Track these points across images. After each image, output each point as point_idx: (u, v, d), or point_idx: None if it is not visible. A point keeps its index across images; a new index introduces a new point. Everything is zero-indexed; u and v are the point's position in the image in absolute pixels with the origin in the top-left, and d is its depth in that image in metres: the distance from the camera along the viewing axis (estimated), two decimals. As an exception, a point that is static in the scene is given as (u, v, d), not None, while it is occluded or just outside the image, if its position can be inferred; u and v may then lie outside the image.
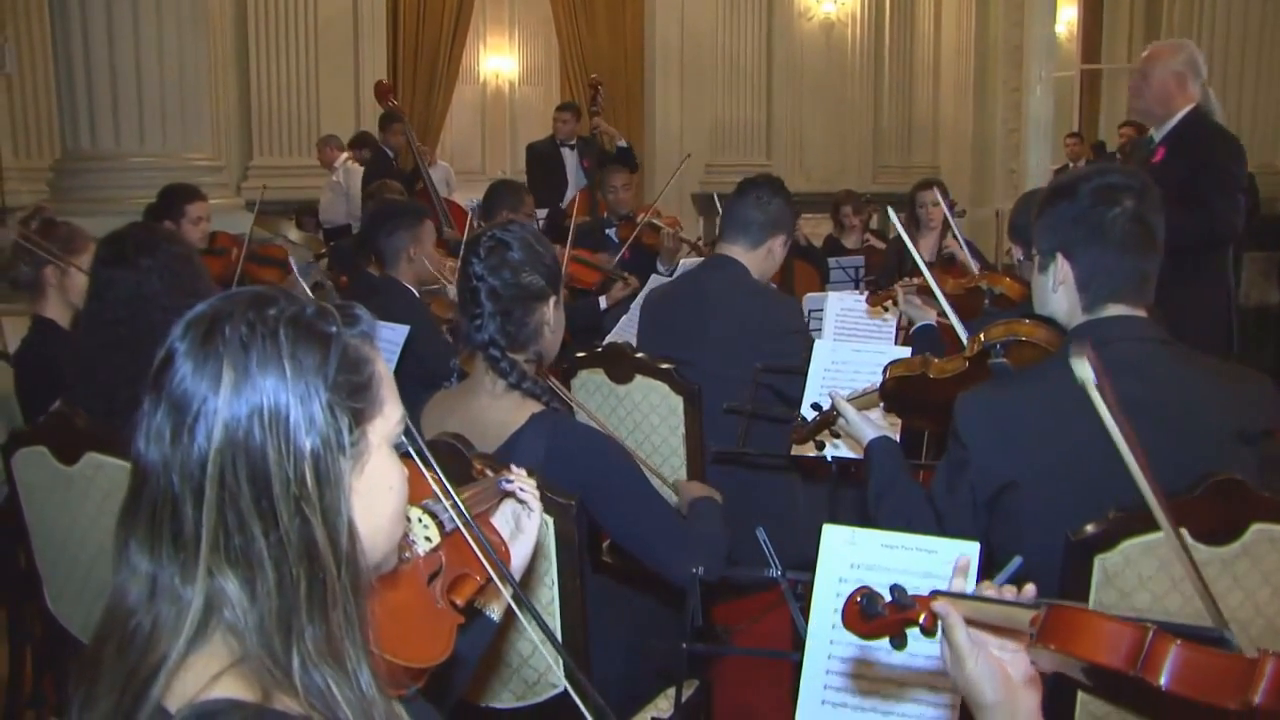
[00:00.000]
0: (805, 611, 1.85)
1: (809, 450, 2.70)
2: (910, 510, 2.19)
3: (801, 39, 11.77)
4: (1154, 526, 1.82)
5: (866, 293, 3.95)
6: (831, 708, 1.83)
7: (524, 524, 1.65)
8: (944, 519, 2.11)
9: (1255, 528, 1.86)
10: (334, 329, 1.06)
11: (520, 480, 1.66)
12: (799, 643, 1.86)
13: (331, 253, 6.38)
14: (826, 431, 2.54)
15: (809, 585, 1.85)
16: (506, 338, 2.23)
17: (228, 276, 4.63)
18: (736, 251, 3.37)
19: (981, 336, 2.37)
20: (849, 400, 2.42)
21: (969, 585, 1.34)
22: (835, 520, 1.90)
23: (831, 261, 6.49)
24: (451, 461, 1.94)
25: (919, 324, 3.18)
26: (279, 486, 0.99)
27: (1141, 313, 2.07)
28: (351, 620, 1.03)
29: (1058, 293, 2.10)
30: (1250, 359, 8.32)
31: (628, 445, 2.61)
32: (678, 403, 2.97)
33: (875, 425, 2.38)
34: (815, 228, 8.63)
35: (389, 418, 1.11)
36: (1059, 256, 2.07)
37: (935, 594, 1.28)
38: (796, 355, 3.10)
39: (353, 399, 1.06)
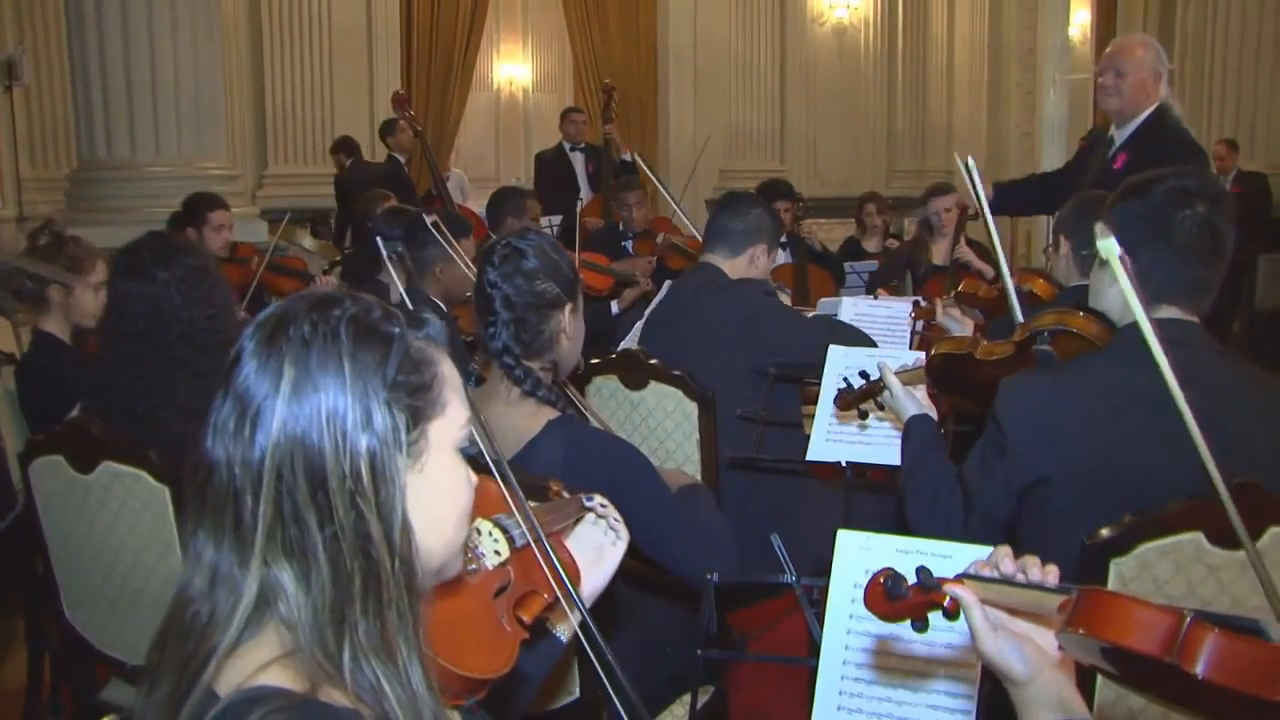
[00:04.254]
0: (820, 617, 1.85)
1: (851, 419, 2.70)
2: (939, 486, 2.22)
3: (815, 43, 11.77)
4: (1169, 531, 1.83)
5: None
6: (847, 713, 1.82)
7: (606, 552, 1.66)
8: (973, 499, 2.12)
9: (1273, 531, 1.85)
10: (396, 330, 1.08)
11: (602, 508, 1.67)
12: (814, 648, 1.86)
13: (345, 259, 6.39)
14: (872, 401, 2.55)
15: (824, 591, 1.85)
16: (521, 345, 2.23)
17: (246, 286, 4.65)
18: (717, 259, 3.42)
19: (1032, 323, 2.35)
20: (897, 374, 2.45)
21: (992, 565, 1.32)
22: (850, 525, 1.90)
23: (847, 266, 6.48)
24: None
25: (953, 334, 3.18)
26: (335, 481, 1.02)
27: (1194, 319, 2.05)
28: (405, 617, 1.05)
29: (1113, 288, 2.08)
30: (1266, 360, 8.29)
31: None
32: (692, 409, 2.97)
33: (918, 402, 2.41)
34: (829, 233, 8.64)
35: (452, 420, 1.12)
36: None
37: (961, 577, 1.27)
38: (772, 334, 3.17)
39: (413, 398, 1.08)
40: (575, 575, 1.54)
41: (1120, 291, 2.03)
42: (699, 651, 2.06)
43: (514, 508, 1.43)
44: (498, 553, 1.41)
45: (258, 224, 6.41)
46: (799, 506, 3.01)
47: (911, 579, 1.28)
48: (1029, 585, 1.24)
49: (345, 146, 8.67)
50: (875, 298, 4.74)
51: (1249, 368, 2.13)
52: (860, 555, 1.85)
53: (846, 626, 1.83)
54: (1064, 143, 12.53)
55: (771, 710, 3.27)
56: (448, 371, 1.13)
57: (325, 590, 1.02)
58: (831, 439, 2.80)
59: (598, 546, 1.69)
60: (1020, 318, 2.62)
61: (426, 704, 1.05)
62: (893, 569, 1.29)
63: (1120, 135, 4.15)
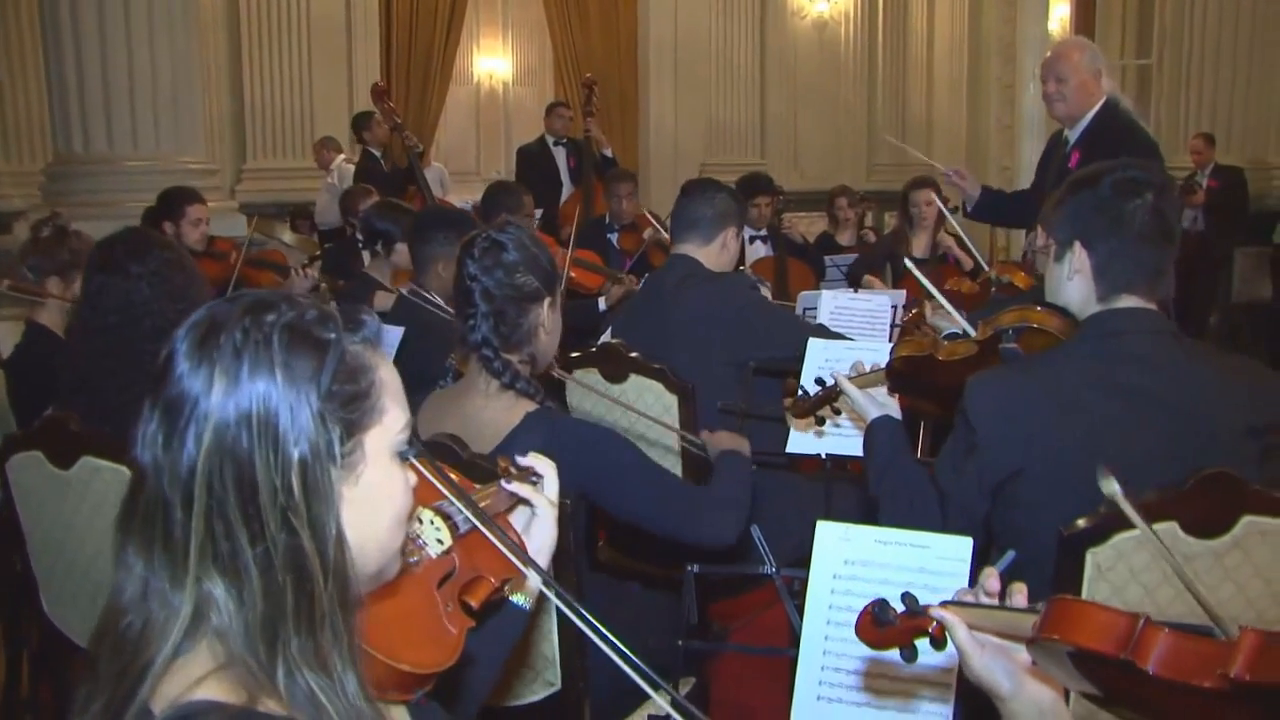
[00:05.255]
0: (801, 609, 1.86)
1: (809, 426, 2.69)
2: (912, 490, 2.20)
3: (795, 37, 11.79)
4: (1146, 521, 1.84)
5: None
6: (827, 703, 1.83)
7: (540, 510, 1.64)
8: (948, 500, 2.12)
9: (1245, 520, 1.87)
10: (333, 335, 1.05)
11: (525, 476, 1.65)
12: (796, 639, 1.87)
13: (325, 255, 6.37)
14: (828, 408, 2.51)
15: (805, 582, 1.86)
16: (500, 338, 2.24)
17: (225, 280, 4.63)
18: (690, 249, 3.42)
19: (993, 321, 2.37)
20: (853, 378, 2.40)
21: (975, 592, 1.35)
22: (831, 517, 1.91)
23: (827, 260, 6.50)
24: (445, 461, 1.94)
25: (946, 332, 3.18)
26: (266, 495, 0.99)
27: (1153, 306, 2.07)
28: (338, 631, 1.03)
29: (1073, 281, 2.10)
30: (1243, 353, 8.35)
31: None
32: (672, 401, 2.98)
33: (879, 404, 2.37)
34: (810, 226, 8.64)
35: (390, 427, 1.10)
36: (1077, 245, 2.07)
37: (945, 604, 1.30)
38: (757, 331, 3.17)
39: (347, 409, 1.05)
40: (522, 549, 1.52)
41: (1082, 283, 2.08)
42: (679, 642, 2.07)
43: (453, 498, 1.41)
44: (440, 541, 1.39)
45: (236, 218, 6.37)
46: (780, 499, 3.02)
47: (899, 607, 1.30)
48: (1009, 608, 1.28)
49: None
50: (857, 291, 4.78)
51: (1211, 351, 2.18)
52: (839, 546, 1.86)
53: (826, 617, 1.83)
54: (1042, 137, 12.54)
55: (754, 704, 3.28)
56: (386, 375, 1.11)
57: (258, 605, 0.99)
58: (811, 431, 2.81)
59: (529, 510, 1.66)
60: (966, 327, 2.61)
61: (365, 714, 1.03)
62: (883, 599, 1.31)
63: (1073, 135, 4.28)
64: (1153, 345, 2.04)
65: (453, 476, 1.44)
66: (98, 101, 5.89)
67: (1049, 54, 4.43)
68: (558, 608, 1.59)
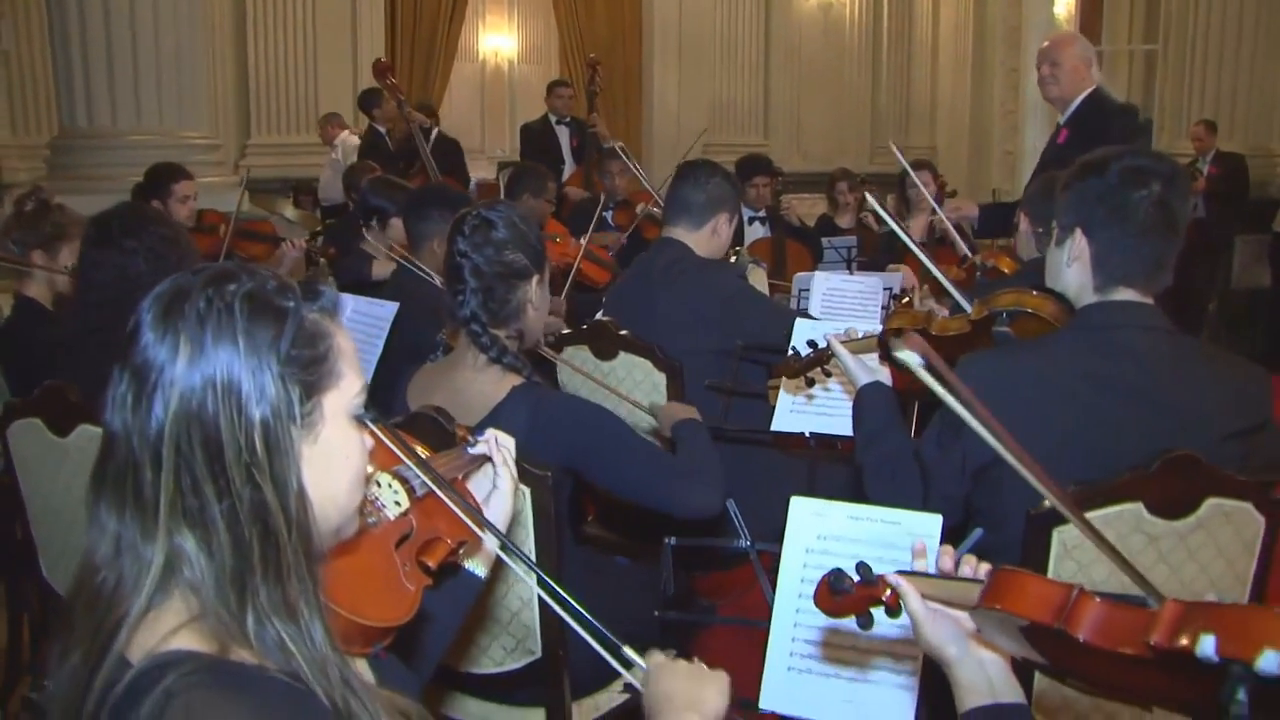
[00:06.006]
0: (775, 582, 1.91)
1: (799, 389, 2.71)
2: (897, 462, 2.22)
3: (800, 19, 11.79)
4: (1111, 501, 1.89)
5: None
6: (797, 674, 1.88)
7: (499, 483, 1.70)
8: (930, 477, 2.14)
9: (1210, 502, 1.91)
10: (291, 304, 1.12)
11: (489, 443, 1.71)
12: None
13: (328, 230, 6.41)
14: (819, 370, 2.53)
15: (780, 556, 1.91)
16: (488, 314, 2.28)
17: (215, 253, 4.64)
18: (680, 233, 3.43)
19: (988, 302, 2.36)
20: (845, 342, 2.40)
21: (929, 562, 1.41)
22: (815, 495, 1.94)
23: (825, 241, 6.52)
24: (433, 433, 1.99)
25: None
26: (231, 453, 1.06)
27: (1150, 300, 2.07)
28: (304, 579, 1.09)
29: (1071, 268, 2.09)
30: (1242, 340, 8.40)
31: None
32: (660, 379, 3.03)
33: (869, 370, 2.38)
34: (812, 208, 8.67)
35: (346, 390, 1.17)
36: (1078, 232, 2.06)
37: (900, 573, 1.35)
38: (743, 322, 3.19)
39: (306, 371, 1.11)
40: (478, 517, 1.58)
41: (1080, 271, 2.10)
42: (655, 613, 2.12)
43: (406, 459, 1.48)
44: (398, 503, 1.45)
45: (239, 193, 6.40)
46: (765, 477, 3.07)
47: (854, 576, 1.35)
48: (959, 579, 1.33)
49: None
50: (853, 274, 4.83)
51: (1203, 348, 2.19)
52: (813, 521, 1.90)
53: (798, 590, 1.88)
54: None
55: (739, 678, 3.32)
56: (343, 343, 1.17)
57: (226, 558, 1.06)
58: (795, 410, 2.86)
59: (491, 479, 1.72)
60: (966, 306, 2.63)
61: (330, 659, 1.09)
62: (839, 568, 1.36)
63: (1063, 117, 4.69)
64: (1145, 341, 2.04)
65: (413, 444, 1.51)
66: (102, 76, 5.91)
67: (1045, 43, 4.80)
68: (515, 559, 1.65)
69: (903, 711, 1.83)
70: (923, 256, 2.72)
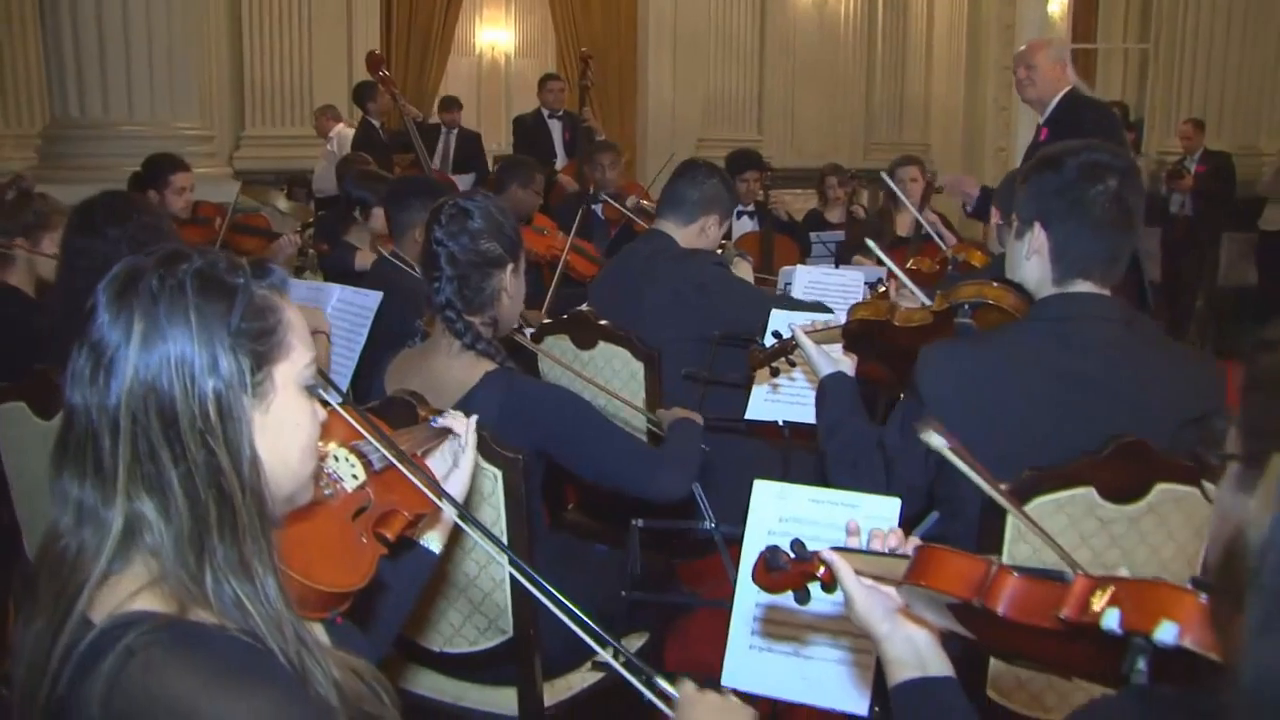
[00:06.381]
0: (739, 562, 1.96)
1: (765, 379, 2.77)
2: (858, 450, 2.27)
3: (795, 14, 11.81)
4: (1063, 485, 1.94)
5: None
6: (758, 652, 1.93)
7: (460, 460, 1.76)
8: (893, 464, 2.19)
9: (1159, 487, 1.96)
10: (241, 280, 1.18)
11: (452, 420, 1.76)
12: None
13: (319, 221, 6.45)
14: (784, 360, 2.58)
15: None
16: (463, 300, 2.34)
17: (210, 246, 4.68)
18: (669, 226, 3.51)
19: (950, 294, 2.41)
20: (809, 332, 2.46)
21: (863, 540, 1.45)
22: (789, 481, 1.99)
23: (813, 236, 6.58)
24: (407, 416, 2.04)
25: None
26: (185, 421, 1.12)
27: (1107, 292, 2.13)
28: (259, 541, 1.16)
29: (1030, 261, 2.14)
30: (1228, 336, 8.46)
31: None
32: (638, 368, 3.08)
33: (832, 360, 2.43)
34: (806, 203, 8.72)
35: (296, 362, 1.23)
36: (1037, 226, 2.11)
37: (834, 549, 1.40)
38: (719, 306, 3.26)
39: (256, 343, 1.18)
40: (435, 488, 1.64)
41: (1039, 263, 2.15)
42: (623, 593, 2.17)
43: (363, 431, 1.54)
44: (355, 476, 1.52)
45: (232, 185, 6.44)
46: (739, 464, 3.11)
47: (790, 553, 1.40)
48: (889, 554, 1.37)
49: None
50: (838, 267, 4.88)
51: (1160, 340, 2.24)
52: (775, 504, 1.96)
53: (759, 570, 1.93)
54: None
55: (713, 659, 3.37)
56: (292, 317, 1.24)
57: (184, 520, 1.12)
58: (769, 399, 2.91)
59: (453, 454, 1.78)
60: (924, 299, 2.68)
61: (285, 618, 1.15)
62: (775, 545, 1.41)
63: (1042, 118, 4.96)
64: (1102, 332, 2.10)
65: (371, 418, 1.57)
66: (94, 66, 5.92)
67: (1020, 49, 5.09)
68: (473, 527, 1.71)
69: (861, 688, 1.88)
70: (881, 254, 2.78)
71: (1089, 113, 4.80)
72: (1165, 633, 1.00)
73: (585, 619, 1.57)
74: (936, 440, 1.27)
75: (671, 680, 1.50)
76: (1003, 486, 1.37)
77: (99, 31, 5.88)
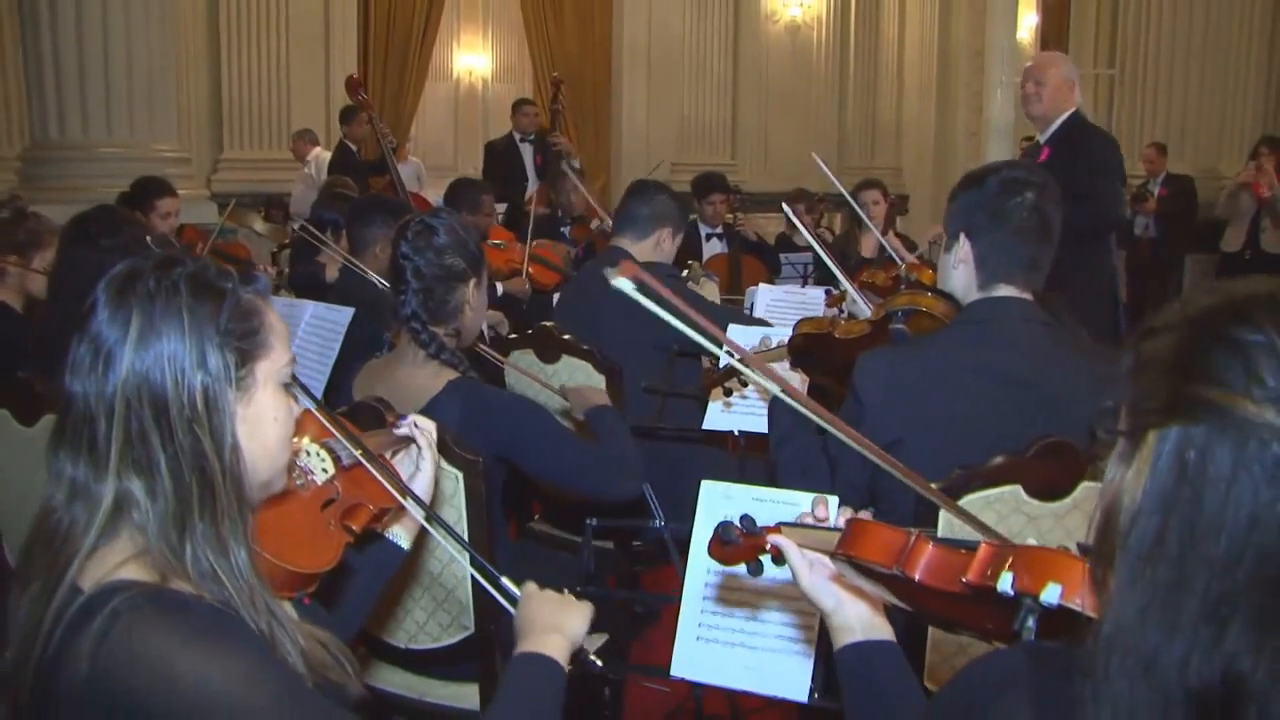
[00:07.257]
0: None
1: (719, 397, 2.90)
2: (806, 459, 2.41)
3: (768, 41, 11.99)
4: (991, 483, 2.06)
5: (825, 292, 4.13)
6: (705, 644, 2.03)
7: (422, 464, 1.87)
8: (837, 466, 2.33)
9: (1084, 485, 2.07)
10: (229, 285, 1.31)
11: (414, 425, 1.88)
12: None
13: (294, 243, 6.54)
14: (735, 380, 2.72)
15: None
16: (428, 312, 2.46)
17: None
18: (625, 243, 3.68)
19: (886, 303, 2.56)
20: (758, 354, 2.59)
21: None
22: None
23: (783, 257, 6.71)
24: (373, 421, 2.14)
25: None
26: (175, 410, 1.24)
27: (1029, 296, 2.27)
28: (235, 520, 1.28)
29: (958, 270, 2.30)
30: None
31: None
32: (600, 380, 3.19)
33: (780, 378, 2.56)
34: (780, 226, 8.86)
35: (276, 360, 1.36)
36: (962, 237, 2.27)
37: (780, 525, 1.51)
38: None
39: (241, 341, 1.30)
40: (399, 486, 1.76)
41: (965, 272, 2.29)
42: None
43: (335, 432, 1.67)
44: (325, 470, 1.66)
45: (209, 207, 6.53)
46: (697, 471, 3.22)
47: (740, 528, 1.51)
48: (829, 528, 1.47)
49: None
50: (803, 287, 5.01)
51: (1076, 339, 2.36)
52: (722, 503, 2.06)
53: (707, 565, 2.04)
54: (1009, 144, 12.75)
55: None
56: (274, 320, 1.37)
57: (169, 499, 1.24)
58: (725, 410, 3.02)
59: (414, 459, 1.89)
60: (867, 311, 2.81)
61: (257, 591, 1.28)
62: (727, 520, 1.52)
63: (1044, 137, 4.80)
64: (1024, 332, 2.24)
65: (343, 422, 1.69)
66: (73, 88, 6.01)
67: (1032, 62, 5.02)
68: (436, 526, 1.83)
69: (801, 677, 1.98)
70: (831, 264, 2.92)
71: (1096, 138, 4.79)
72: (1050, 594, 1.10)
73: (495, 573, 1.70)
74: (621, 283, 1.25)
75: (518, 585, 1.70)
76: (895, 461, 1.47)
77: (79, 54, 5.98)
